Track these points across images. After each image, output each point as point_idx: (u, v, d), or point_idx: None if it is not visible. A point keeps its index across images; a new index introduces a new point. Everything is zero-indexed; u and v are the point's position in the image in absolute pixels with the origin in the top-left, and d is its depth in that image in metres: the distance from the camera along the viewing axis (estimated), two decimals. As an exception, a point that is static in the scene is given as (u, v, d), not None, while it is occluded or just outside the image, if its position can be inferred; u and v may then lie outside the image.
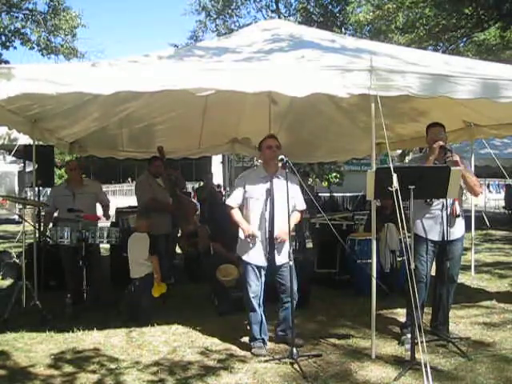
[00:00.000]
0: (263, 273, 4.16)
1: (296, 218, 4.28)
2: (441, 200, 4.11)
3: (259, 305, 4.18)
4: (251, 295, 4.13)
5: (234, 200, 4.25)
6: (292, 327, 3.97)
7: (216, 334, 4.54)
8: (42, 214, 6.37)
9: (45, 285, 5.87)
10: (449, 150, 4.10)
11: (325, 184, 18.71)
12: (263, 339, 4.18)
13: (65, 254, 5.58)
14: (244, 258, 4.17)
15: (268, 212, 4.10)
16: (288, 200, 3.90)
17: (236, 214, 4.21)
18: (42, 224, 6.33)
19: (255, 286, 4.13)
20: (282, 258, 4.12)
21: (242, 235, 4.16)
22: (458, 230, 4.23)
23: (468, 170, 4.23)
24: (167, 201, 6.43)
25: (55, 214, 5.93)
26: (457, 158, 4.03)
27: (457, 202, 4.15)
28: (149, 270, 5.07)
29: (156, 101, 6.00)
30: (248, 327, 4.28)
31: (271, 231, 4.10)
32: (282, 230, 4.05)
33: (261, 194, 4.12)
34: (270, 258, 4.13)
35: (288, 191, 3.90)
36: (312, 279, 5.96)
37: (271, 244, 4.11)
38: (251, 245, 4.12)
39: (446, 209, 4.09)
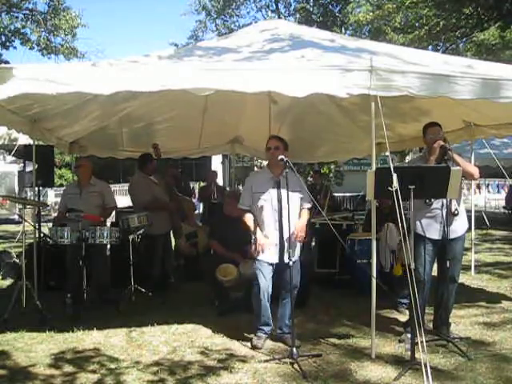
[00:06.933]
0: (272, 270, 4.21)
1: (306, 217, 4.31)
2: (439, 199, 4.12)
3: (267, 299, 4.22)
4: (261, 290, 4.16)
5: (243, 202, 4.34)
6: (292, 327, 3.98)
7: (216, 334, 4.54)
8: (43, 213, 6.33)
9: (45, 285, 5.86)
10: (449, 149, 4.10)
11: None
12: (264, 330, 4.24)
13: (66, 253, 5.56)
14: (255, 255, 4.22)
15: (277, 212, 4.15)
16: (288, 200, 3.95)
17: (249, 220, 4.27)
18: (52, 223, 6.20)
19: (265, 282, 4.17)
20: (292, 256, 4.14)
21: (257, 239, 4.20)
22: (458, 228, 4.22)
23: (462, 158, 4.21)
24: (165, 198, 6.43)
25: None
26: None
27: (454, 201, 4.14)
28: None
29: (156, 101, 5.99)
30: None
31: (281, 230, 4.15)
32: (297, 227, 4.09)
33: (268, 194, 4.17)
34: (280, 256, 4.18)
35: (288, 191, 3.93)
36: (312, 279, 5.96)
37: (281, 243, 4.16)
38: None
39: (446, 208, 4.09)
